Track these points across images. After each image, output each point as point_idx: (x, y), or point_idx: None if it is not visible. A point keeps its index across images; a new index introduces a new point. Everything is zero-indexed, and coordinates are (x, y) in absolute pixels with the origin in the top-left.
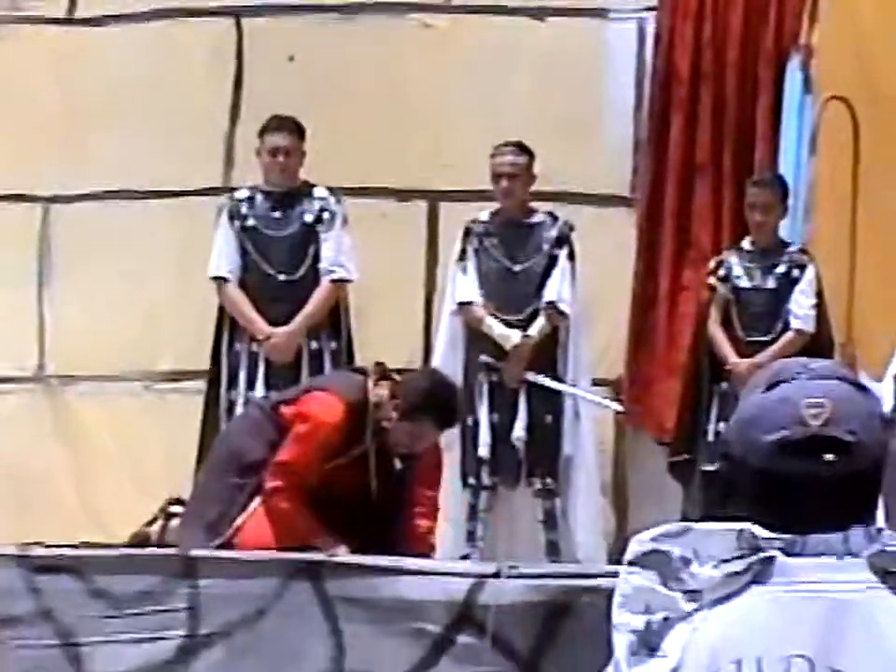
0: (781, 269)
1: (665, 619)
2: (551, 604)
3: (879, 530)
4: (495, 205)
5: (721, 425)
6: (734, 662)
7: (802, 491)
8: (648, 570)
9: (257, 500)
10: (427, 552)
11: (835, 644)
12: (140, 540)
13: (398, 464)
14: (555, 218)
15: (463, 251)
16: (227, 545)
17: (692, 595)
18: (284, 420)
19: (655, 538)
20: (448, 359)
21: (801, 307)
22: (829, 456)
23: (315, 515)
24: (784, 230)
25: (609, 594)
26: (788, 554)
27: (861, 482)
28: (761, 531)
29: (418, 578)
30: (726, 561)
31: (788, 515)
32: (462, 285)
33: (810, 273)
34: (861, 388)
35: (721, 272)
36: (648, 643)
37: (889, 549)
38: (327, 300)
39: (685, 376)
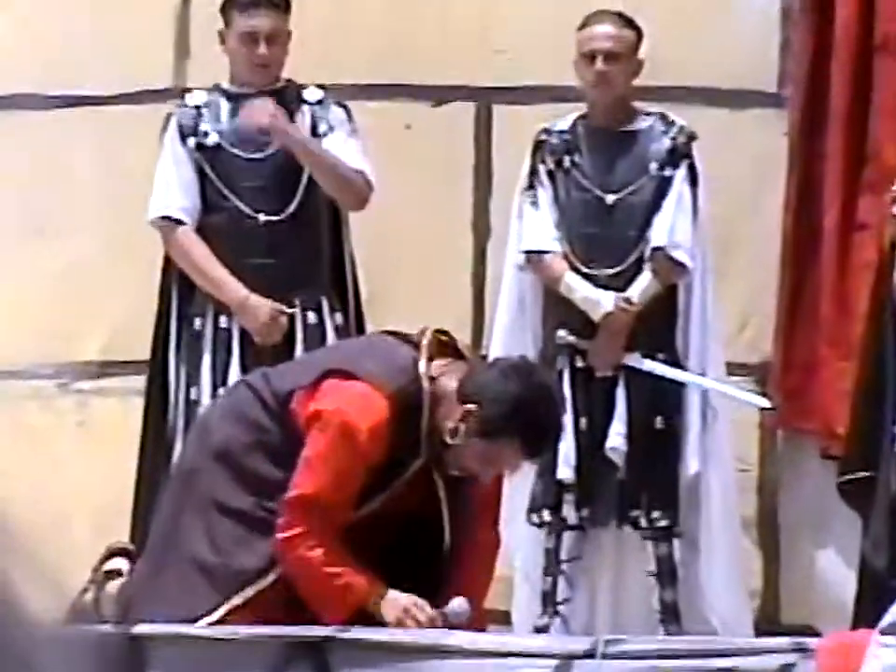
0: None
1: None
2: None
3: None
4: (577, 108)
5: None
6: None
7: None
8: None
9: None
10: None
11: None
12: (77, 614)
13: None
14: (669, 123)
15: (532, 174)
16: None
17: None
18: (293, 419)
19: None
20: (514, 336)
21: None
22: None
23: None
24: None
25: None
26: None
27: None
28: None
29: (473, 661)
30: None
31: None
32: (532, 226)
33: None
34: None
35: None
36: None
37: None
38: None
39: (862, 357)
